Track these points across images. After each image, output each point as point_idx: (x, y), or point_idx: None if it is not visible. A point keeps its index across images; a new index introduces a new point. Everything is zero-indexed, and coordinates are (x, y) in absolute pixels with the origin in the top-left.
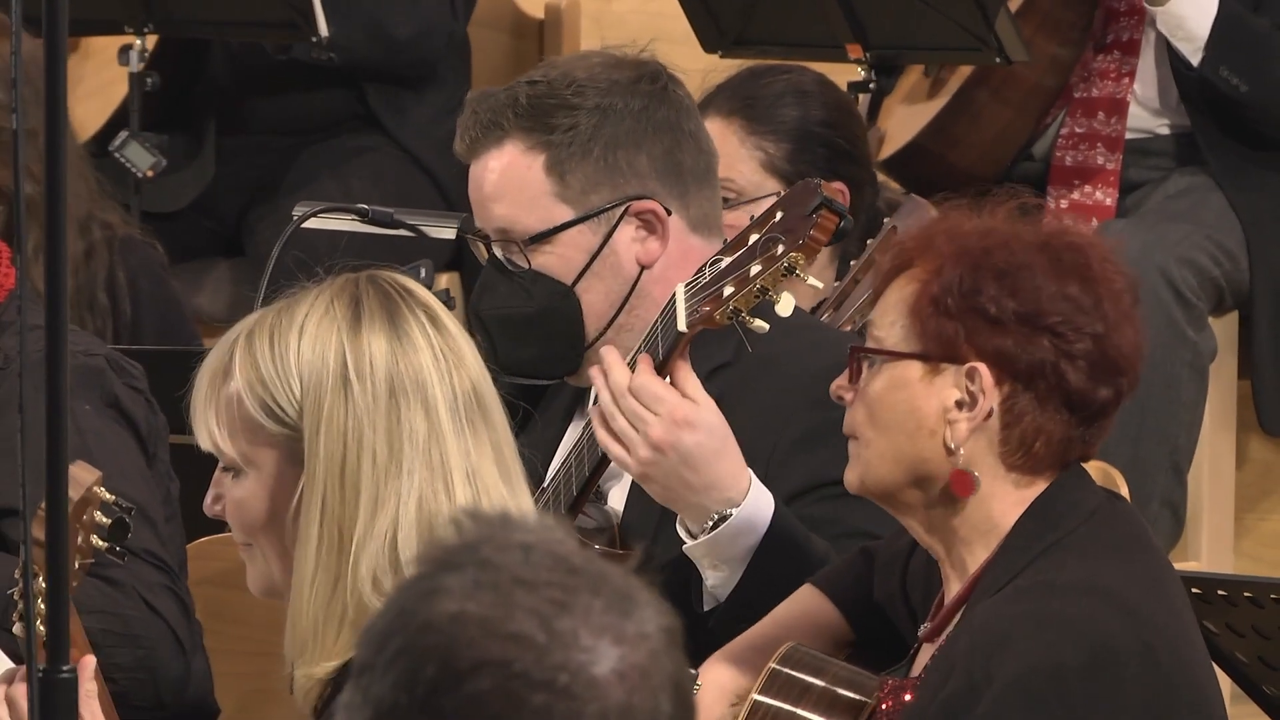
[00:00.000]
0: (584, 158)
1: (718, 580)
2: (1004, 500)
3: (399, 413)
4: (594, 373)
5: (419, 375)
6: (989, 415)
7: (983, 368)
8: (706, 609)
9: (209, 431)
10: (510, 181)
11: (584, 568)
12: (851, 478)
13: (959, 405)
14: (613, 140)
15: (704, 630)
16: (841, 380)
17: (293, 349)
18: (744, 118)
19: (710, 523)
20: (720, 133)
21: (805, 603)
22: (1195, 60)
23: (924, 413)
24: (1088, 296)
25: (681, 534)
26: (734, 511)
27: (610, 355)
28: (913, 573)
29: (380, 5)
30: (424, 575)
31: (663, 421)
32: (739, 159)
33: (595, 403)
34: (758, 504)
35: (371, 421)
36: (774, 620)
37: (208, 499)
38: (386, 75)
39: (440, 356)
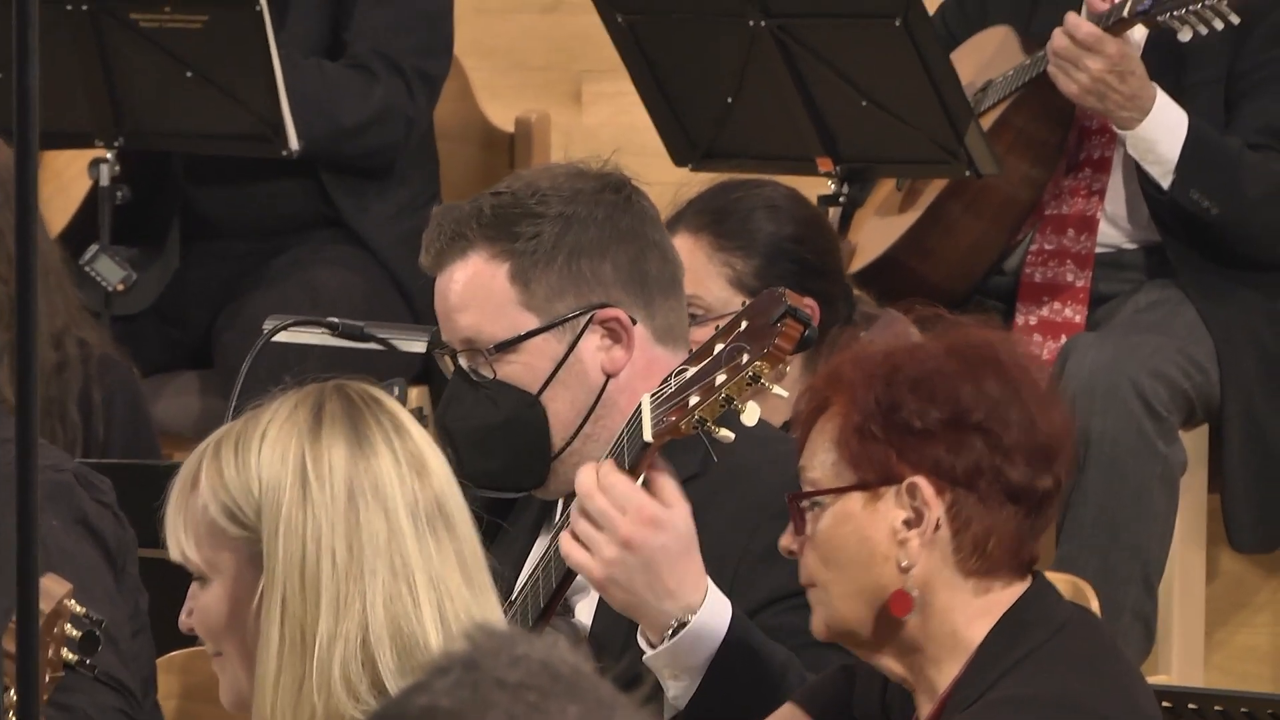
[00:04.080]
0: (548, 265)
1: (678, 691)
2: (965, 611)
3: (358, 515)
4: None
5: (378, 480)
6: (937, 527)
7: (921, 481)
8: None
9: (178, 541)
10: (475, 291)
11: (570, 677)
12: (817, 625)
13: (907, 524)
14: (576, 248)
15: None
16: (787, 535)
17: (254, 453)
18: (712, 233)
19: (670, 631)
20: (689, 248)
21: (785, 719)
22: (1165, 184)
23: (875, 540)
24: (1006, 389)
25: (641, 644)
26: (692, 619)
27: (584, 468)
28: (892, 692)
29: (332, 93)
30: (418, 679)
31: (630, 520)
32: (706, 275)
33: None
34: (715, 611)
35: (330, 523)
36: None
37: (182, 613)
38: (344, 166)
39: (402, 464)
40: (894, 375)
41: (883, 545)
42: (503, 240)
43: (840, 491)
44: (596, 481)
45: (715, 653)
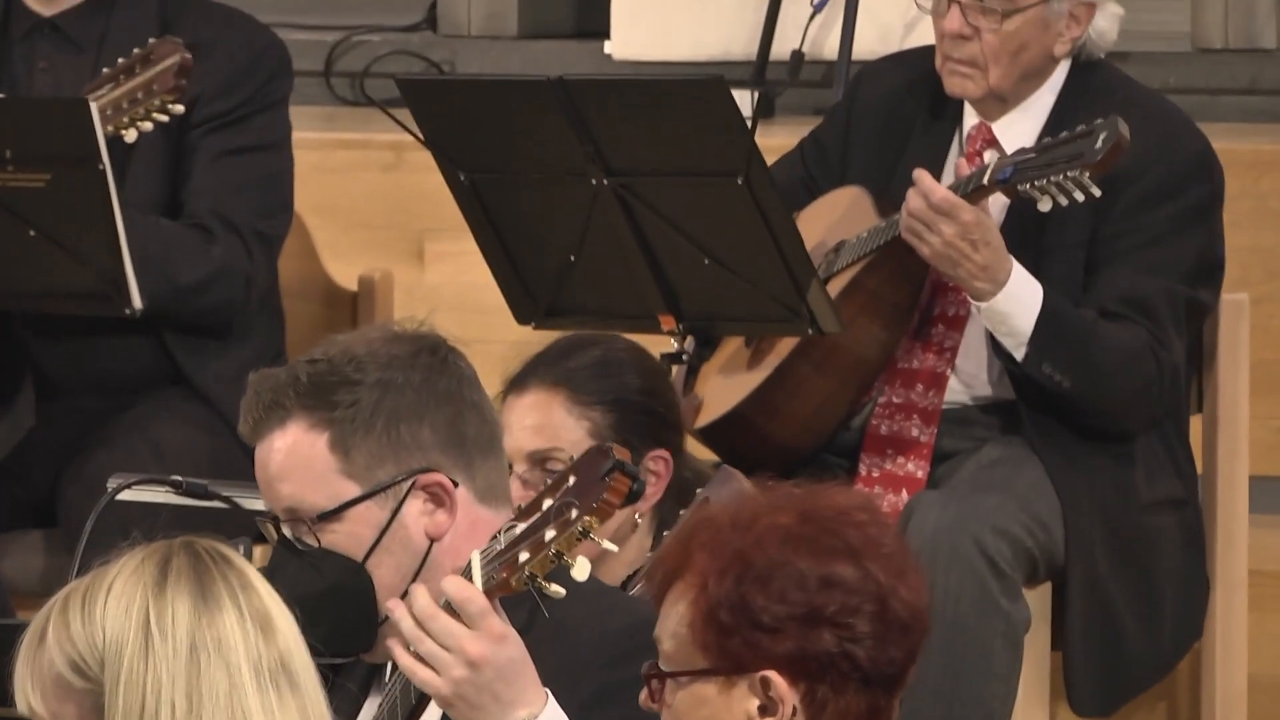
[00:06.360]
0: (367, 433)
1: None
2: None
3: (199, 669)
4: (392, 605)
5: (221, 635)
6: (794, 713)
7: (774, 675)
8: None
9: (25, 693)
10: (295, 461)
11: None
12: None
13: (762, 710)
14: (395, 414)
15: None
16: (645, 696)
17: (99, 607)
18: (569, 388)
19: None
20: (544, 403)
21: None
22: (1019, 356)
23: None
24: (856, 572)
25: None
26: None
27: (416, 589)
28: None
29: (169, 251)
30: None
31: (480, 639)
32: (565, 427)
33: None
34: (555, 716)
35: (171, 676)
36: None
37: None
38: (184, 324)
39: (247, 620)
40: (745, 573)
41: None
42: (321, 409)
43: (693, 675)
44: (440, 601)
45: None
